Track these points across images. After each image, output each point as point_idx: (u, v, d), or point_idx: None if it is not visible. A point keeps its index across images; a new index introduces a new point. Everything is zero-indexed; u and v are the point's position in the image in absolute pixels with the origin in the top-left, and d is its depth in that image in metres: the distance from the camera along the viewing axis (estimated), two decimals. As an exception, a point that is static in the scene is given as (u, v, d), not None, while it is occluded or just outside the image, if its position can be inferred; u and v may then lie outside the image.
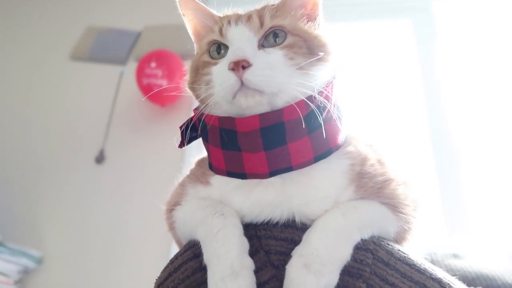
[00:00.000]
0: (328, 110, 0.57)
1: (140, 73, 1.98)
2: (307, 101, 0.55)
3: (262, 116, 0.55)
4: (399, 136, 1.89)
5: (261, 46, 0.59)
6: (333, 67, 0.62)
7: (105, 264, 1.78)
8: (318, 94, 0.56)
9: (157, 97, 1.97)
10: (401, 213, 0.59)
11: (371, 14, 2.23)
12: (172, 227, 0.67)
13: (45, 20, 2.47)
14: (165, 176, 1.83)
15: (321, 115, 0.56)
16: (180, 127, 0.64)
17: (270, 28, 0.59)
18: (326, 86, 0.59)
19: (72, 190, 1.97)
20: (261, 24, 0.60)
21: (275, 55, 0.57)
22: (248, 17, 0.61)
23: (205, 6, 0.66)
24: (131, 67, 2.11)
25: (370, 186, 0.58)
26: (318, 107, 0.56)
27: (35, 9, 2.52)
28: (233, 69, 0.55)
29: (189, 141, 0.63)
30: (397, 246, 0.57)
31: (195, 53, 0.70)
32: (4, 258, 1.68)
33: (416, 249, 0.63)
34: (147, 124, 2.07)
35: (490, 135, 1.83)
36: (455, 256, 1.01)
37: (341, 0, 2.20)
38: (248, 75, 0.54)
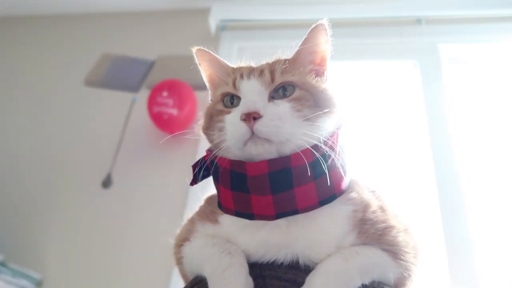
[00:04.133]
0: (334, 156, 0.61)
1: (152, 101, 2.03)
2: (313, 150, 0.59)
3: (270, 161, 0.59)
4: (404, 176, 1.89)
5: (271, 98, 0.63)
6: (338, 118, 0.66)
7: (106, 289, 1.78)
8: (323, 143, 0.60)
9: (167, 125, 2.02)
10: (401, 260, 0.60)
11: (380, 55, 2.29)
12: (180, 262, 0.69)
13: (63, 46, 2.56)
14: (171, 203, 1.88)
15: (326, 162, 0.59)
16: (193, 166, 0.67)
17: (280, 83, 0.64)
18: (331, 136, 0.63)
19: (77, 213, 1.98)
20: (272, 79, 0.65)
21: (284, 107, 0.62)
22: (261, 71, 0.66)
23: (219, 58, 0.72)
24: (144, 95, 2.17)
25: (371, 232, 0.61)
26: (324, 155, 0.59)
27: (53, 34, 2.62)
28: (244, 120, 0.59)
29: (201, 179, 0.67)
30: (396, 293, 0.58)
31: (210, 99, 0.75)
32: (5, 279, 1.69)
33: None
34: (155, 151, 2.10)
35: (497, 175, 1.84)
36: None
37: (351, 39, 2.28)
38: (258, 125, 0.58)
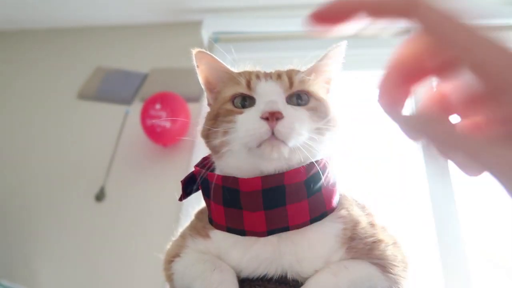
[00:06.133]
0: (327, 174, 0.61)
1: (145, 114, 2.04)
2: (309, 167, 0.59)
3: (264, 178, 0.59)
4: (396, 185, 1.91)
5: (286, 102, 0.63)
6: (336, 137, 0.66)
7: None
8: (319, 160, 0.61)
9: (160, 137, 2.02)
10: (390, 273, 0.61)
11: (370, 64, 2.30)
12: (170, 278, 0.68)
13: (56, 59, 2.57)
14: (165, 216, 1.88)
15: (320, 180, 0.60)
16: (182, 182, 0.67)
17: (298, 90, 0.64)
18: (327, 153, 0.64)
19: (69, 227, 1.97)
20: (291, 84, 0.64)
21: (302, 112, 0.62)
22: (278, 75, 0.65)
23: (221, 62, 0.70)
24: (137, 107, 2.17)
25: (360, 247, 0.61)
26: (318, 172, 0.60)
27: (47, 48, 2.62)
28: (267, 119, 0.57)
29: (189, 194, 0.67)
30: (385, 306, 0.59)
31: (208, 103, 0.74)
32: (-3, 294, 1.67)
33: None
34: (149, 163, 2.11)
35: (490, 184, 1.84)
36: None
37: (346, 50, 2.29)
38: (280, 126, 0.57)
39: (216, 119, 0.65)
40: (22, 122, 2.36)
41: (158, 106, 2.04)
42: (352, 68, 2.21)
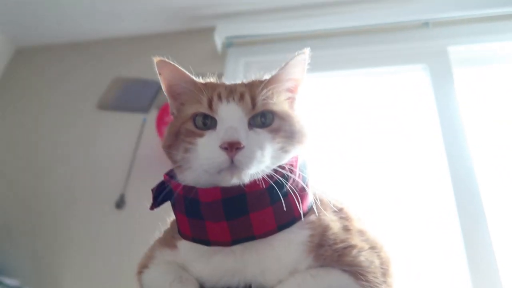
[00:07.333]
0: (293, 179, 0.59)
1: (160, 121, 2.07)
2: (272, 173, 0.58)
3: (223, 187, 0.57)
4: (418, 183, 1.83)
5: (249, 124, 0.61)
6: (304, 148, 0.65)
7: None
8: (283, 165, 0.59)
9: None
10: (364, 280, 0.57)
11: (389, 61, 2.24)
12: None
13: (76, 72, 2.65)
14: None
15: (285, 185, 0.58)
16: (152, 190, 0.66)
17: (262, 111, 0.62)
18: (291, 159, 0.62)
19: (91, 235, 2.02)
20: (253, 105, 0.62)
21: (264, 137, 0.60)
22: (241, 96, 0.63)
23: (183, 69, 0.69)
24: (154, 115, 2.21)
25: (329, 254, 0.58)
26: (282, 177, 0.58)
27: (67, 61, 2.71)
28: (226, 149, 0.56)
29: (161, 203, 0.66)
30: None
31: (171, 112, 0.73)
32: (22, 302, 1.73)
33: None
34: (167, 169, 2.12)
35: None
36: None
37: (359, 48, 2.25)
38: (240, 156, 0.56)
39: (177, 136, 0.65)
40: (44, 133, 2.45)
41: (172, 113, 2.06)
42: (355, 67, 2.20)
